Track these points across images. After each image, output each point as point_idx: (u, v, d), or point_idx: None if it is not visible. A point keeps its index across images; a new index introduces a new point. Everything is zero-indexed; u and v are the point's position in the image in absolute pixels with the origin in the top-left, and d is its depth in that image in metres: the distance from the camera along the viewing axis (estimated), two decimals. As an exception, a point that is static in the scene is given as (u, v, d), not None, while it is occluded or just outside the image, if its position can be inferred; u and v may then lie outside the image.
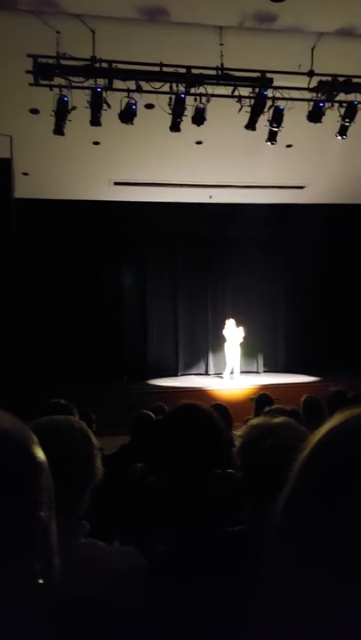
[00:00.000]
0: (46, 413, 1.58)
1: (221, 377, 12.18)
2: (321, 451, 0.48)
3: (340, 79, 7.06)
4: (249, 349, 12.62)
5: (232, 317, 12.03)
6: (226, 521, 1.47)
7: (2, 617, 0.50)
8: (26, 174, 9.32)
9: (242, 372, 12.09)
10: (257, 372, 13.21)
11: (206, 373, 13.34)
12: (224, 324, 12.02)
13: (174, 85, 6.87)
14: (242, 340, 11.78)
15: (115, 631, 1.12)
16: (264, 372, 13.31)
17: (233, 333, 11.79)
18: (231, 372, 11.83)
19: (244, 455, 1.41)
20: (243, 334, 11.75)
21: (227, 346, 11.89)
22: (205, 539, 1.41)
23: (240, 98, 7.13)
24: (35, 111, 7.46)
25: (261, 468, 1.32)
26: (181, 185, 10.90)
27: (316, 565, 0.42)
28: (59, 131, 7.17)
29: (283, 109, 7.39)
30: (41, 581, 0.54)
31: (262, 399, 5.56)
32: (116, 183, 10.66)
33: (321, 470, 0.46)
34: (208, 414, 1.70)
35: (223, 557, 1.33)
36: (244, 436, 1.44)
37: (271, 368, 13.41)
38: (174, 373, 13.14)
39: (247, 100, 7.20)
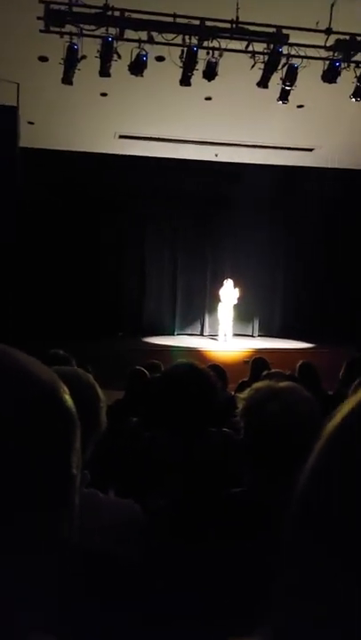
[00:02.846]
0: (46, 364, 1.54)
1: (216, 339, 12.24)
2: (351, 428, 0.41)
3: (359, 39, 6.86)
4: (245, 312, 12.63)
5: (231, 278, 11.96)
6: (223, 480, 1.50)
7: (29, 575, 0.50)
8: (31, 123, 9.13)
9: (236, 335, 12.13)
10: (252, 336, 13.24)
11: (202, 334, 13.39)
12: (222, 284, 11.99)
13: (187, 38, 6.68)
14: (236, 302, 11.74)
15: (116, 580, 1.17)
16: (259, 335, 13.34)
17: (229, 294, 11.76)
18: (225, 335, 11.87)
19: (247, 418, 1.40)
20: (238, 295, 11.67)
21: (220, 306, 11.88)
22: (204, 497, 1.43)
23: (254, 53, 6.94)
24: (44, 59, 7.25)
25: (266, 431, 1.32)
26: (187, 141, 10.70)
27: (339, 553, 0.38)
28: (67, 80, 7.00)
29: (297, 67, 7.18)
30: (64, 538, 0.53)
31: (258, 363, 5.61)
32: (121, 136, 10.46)
33: (349, 450, 0.40)
34: (205, 374, 1.73)
35: (223, 517, 1.35)
36: (248, 399, 1.43)
37: (266, 332, 13.43)
38: (170, 332, 13.18)
39: (261, 57, 7.01)
